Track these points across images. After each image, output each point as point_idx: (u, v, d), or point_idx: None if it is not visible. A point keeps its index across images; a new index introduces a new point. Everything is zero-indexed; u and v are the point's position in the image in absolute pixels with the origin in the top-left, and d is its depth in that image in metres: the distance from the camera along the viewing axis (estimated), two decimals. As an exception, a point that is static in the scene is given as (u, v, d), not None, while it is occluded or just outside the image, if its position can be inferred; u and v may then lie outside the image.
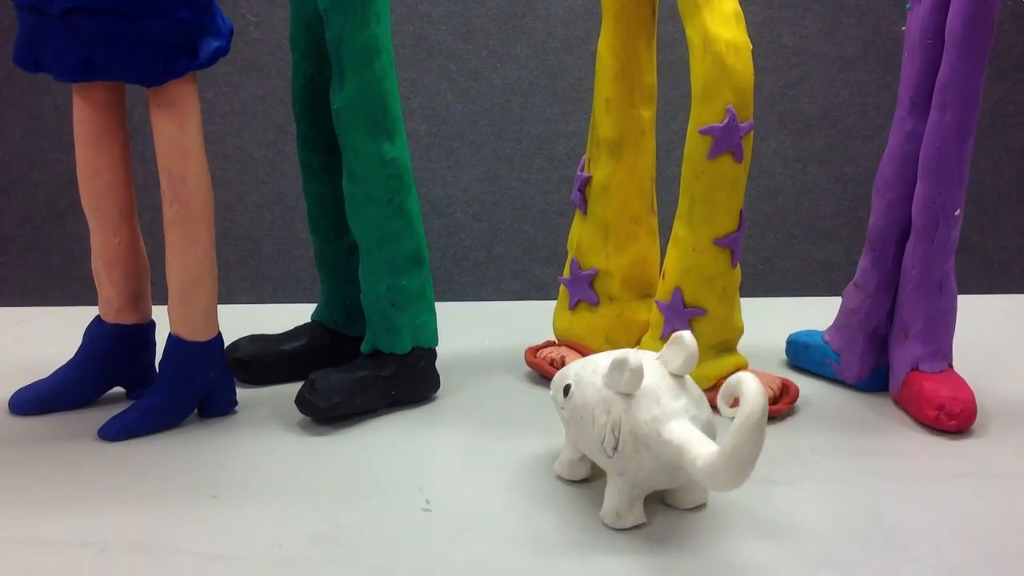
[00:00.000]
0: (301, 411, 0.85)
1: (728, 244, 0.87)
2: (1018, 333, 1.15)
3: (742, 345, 0.93)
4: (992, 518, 0.71)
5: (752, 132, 0.85)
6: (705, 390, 0.90)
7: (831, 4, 1.72)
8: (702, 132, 0.84)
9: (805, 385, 0.96)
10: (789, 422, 0.88)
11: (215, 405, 0.87)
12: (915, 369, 0.89)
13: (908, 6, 0.88)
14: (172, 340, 0.85)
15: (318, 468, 0.78)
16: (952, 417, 0.84)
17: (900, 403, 0.90)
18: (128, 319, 0.88)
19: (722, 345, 0.91)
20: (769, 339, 1.05)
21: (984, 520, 0.71)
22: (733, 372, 0.90)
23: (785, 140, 1.76)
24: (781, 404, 0.89)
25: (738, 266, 0.89)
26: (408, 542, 0.67)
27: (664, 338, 0.90)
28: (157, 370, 0.88)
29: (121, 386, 0.91)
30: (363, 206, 0.87)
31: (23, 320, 1.16)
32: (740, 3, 0.84)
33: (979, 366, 0.98)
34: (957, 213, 0.86)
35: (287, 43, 0.94)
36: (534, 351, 1.01)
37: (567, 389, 0.72)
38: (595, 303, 0.98)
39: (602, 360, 0.72)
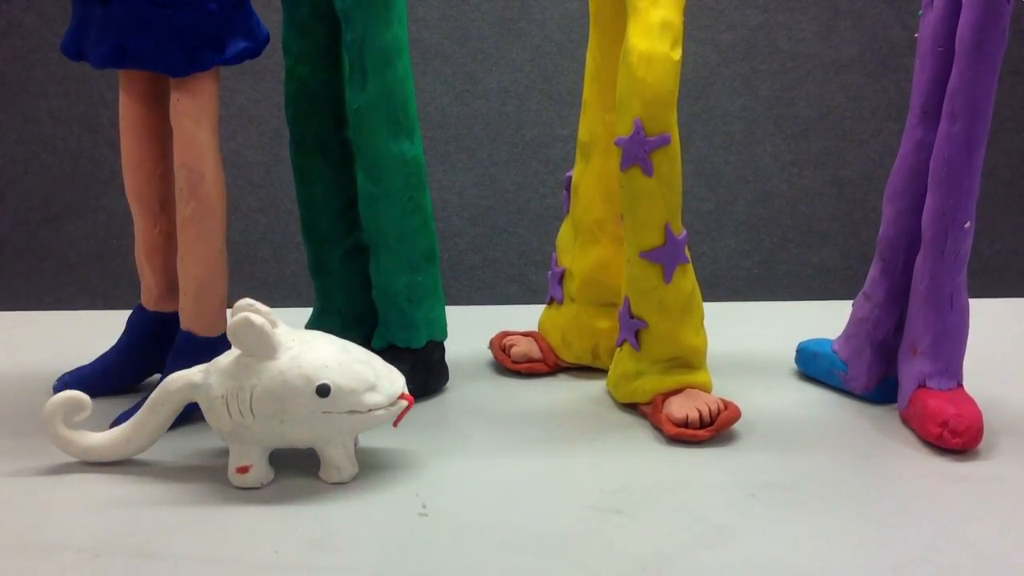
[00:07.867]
0: None
1: (656, 259, 0.84)
2: (1014, 337, 1.15)
3: (748, 347, 0.91)
4: (995, 535, 0.71)
5: (669, 147, 0.81)
6: (643, 404, 0.87)
7: (827, 8, 1.72)
8: (615, 143, 0.83)
9: (811, 394, 0.94)
10: (783, 433, 0.87)
11: None
12: (922, 386, 0.85)
13: (920, 12, 0.87)
14: (185, 336, 0.85)
15: (314, 472, 0.78)
16: (956, 435, 0.81)
17: (907, 421, 0.87)
18: (168, 307, 0.90)
19: (673, 361, 0.86)
20: (778, 344, 1.04)
21: (987, 538, 0.70)
22: (676, 390, 0.86)
23: (781, 144, 1.76)
24: (702, 432, 0.82)
25: (681, 282, 0.84)
26: (404, 547, 0.67)
27: (619, 346, 0.90)
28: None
29: (160, 373, 0.90)
30: (383, 204, 0.87)
31: (17, 325, 1.16)
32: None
33: (973, 368, 0.98)
34: (967, 226, 0.83)
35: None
36: (502, 336, 1.02)
37: (326, 389, 0.71)
38: (560, 301, 0.99)
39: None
